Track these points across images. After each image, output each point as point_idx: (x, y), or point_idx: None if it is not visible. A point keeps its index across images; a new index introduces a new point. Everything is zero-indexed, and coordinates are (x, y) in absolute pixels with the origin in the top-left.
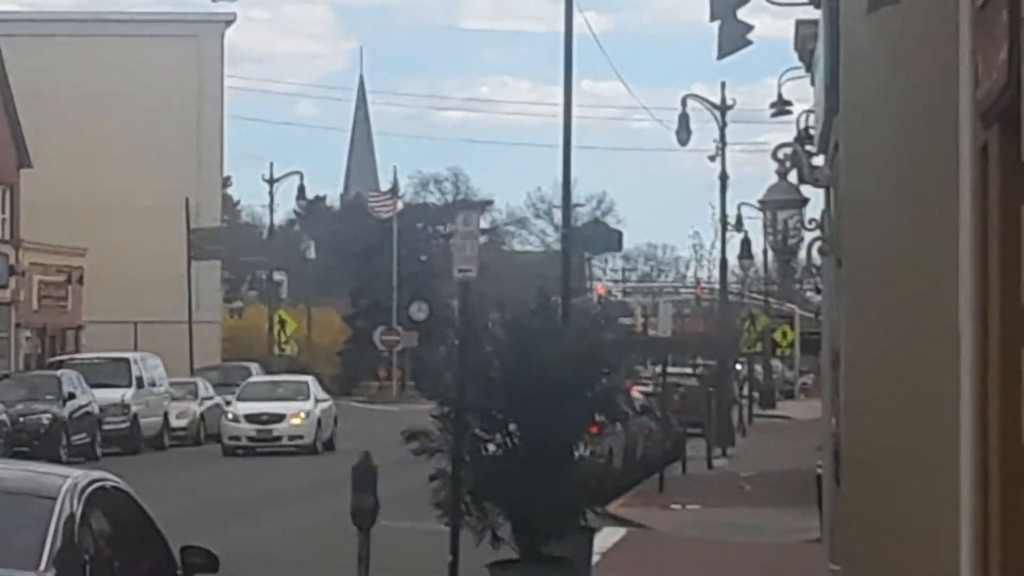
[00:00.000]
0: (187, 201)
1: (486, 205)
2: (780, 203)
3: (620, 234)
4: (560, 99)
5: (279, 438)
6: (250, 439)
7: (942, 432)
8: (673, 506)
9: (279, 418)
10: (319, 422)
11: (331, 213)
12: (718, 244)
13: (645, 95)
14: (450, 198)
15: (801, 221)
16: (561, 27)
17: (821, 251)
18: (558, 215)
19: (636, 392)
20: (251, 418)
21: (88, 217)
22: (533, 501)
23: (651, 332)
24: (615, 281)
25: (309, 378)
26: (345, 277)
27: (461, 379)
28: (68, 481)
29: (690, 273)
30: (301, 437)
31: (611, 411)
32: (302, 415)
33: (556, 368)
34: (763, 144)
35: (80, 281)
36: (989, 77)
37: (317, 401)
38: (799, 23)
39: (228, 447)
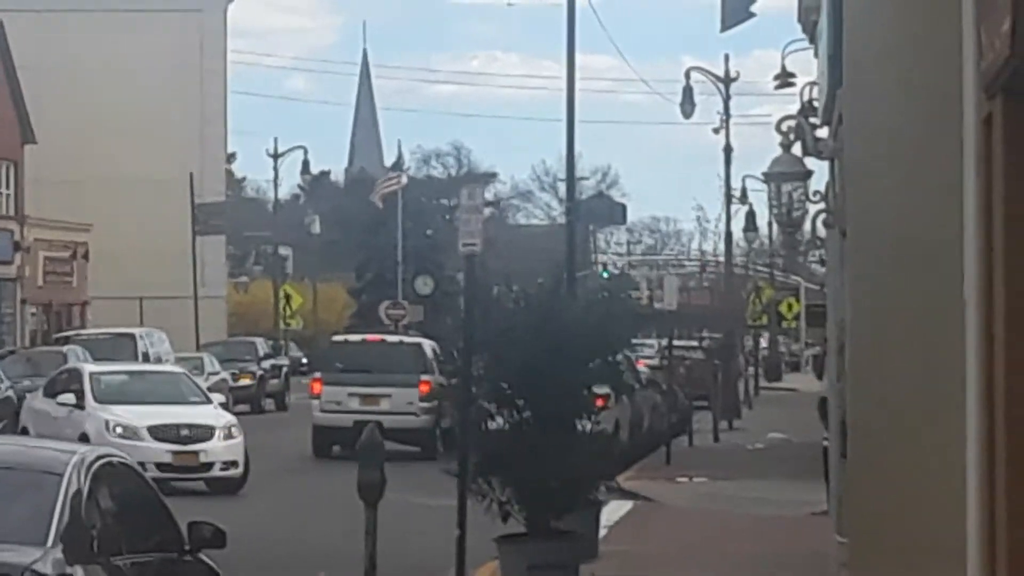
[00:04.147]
0: (191, 176)
1: (490, 178)
2: (784, 175)
3: (624, 207)
4: (552, 72)
5: (209, 466)
6: (162, 467)
7: (949, 404)
8: (680, 479)
9: (206, 434)
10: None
11: (335, 188)
12: (722, 216)
13: (635, 68)
14: (453, 172)
15: (805, 193)
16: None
17: (825, 223)
18: (563, 188)
19: (642, 365)
20: (159, 433)
21: (92, 192)
22: (540, 474)
23: (656, 305)
24: (619, 254)
25: (178, 368)
26: (350, 251)
27: (466, 352)
28: (75, 457)
29: (694, 246)
30: (235, 464)
31: (617, 384)
32: (232, 429)
33: (563, 341)
34: (762, 117)
35: (85, 256)
36: (992, 48)
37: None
38: None
39: None
